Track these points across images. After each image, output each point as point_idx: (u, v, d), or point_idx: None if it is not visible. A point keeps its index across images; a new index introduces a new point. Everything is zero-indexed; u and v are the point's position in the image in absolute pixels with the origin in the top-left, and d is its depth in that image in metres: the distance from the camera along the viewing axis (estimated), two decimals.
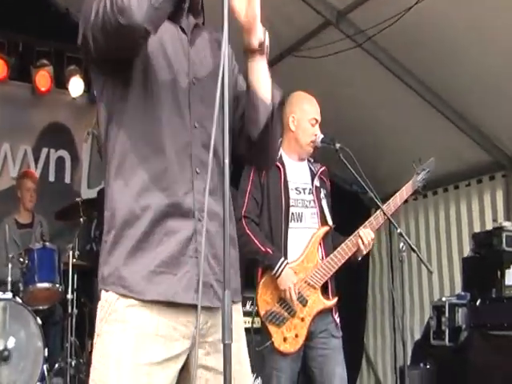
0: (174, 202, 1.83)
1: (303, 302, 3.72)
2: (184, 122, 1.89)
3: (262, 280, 3.74)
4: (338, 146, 3.72)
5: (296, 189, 3.87)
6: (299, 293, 3.71)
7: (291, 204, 3.80)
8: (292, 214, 3.80)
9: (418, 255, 3.71)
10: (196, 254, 1.83)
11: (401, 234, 3.65)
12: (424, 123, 5.85)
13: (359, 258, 3.80)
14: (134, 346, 1.77)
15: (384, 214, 3.73)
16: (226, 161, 1.65)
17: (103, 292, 1.84)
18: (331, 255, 3.76)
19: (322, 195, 3.94)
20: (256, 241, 3.69)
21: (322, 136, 3.88)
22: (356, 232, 3.77)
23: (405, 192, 3.92)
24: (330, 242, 3.88)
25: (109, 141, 1.89)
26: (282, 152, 3.87)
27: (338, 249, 3.76)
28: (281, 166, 3.85)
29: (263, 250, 3.67)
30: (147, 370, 1.76)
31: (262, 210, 3.80)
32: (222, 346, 1.59)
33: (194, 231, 1.84)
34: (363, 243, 3.73)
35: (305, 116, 3.94)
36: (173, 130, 1.87)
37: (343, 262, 3.75)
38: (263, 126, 1.98)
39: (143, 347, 1.78)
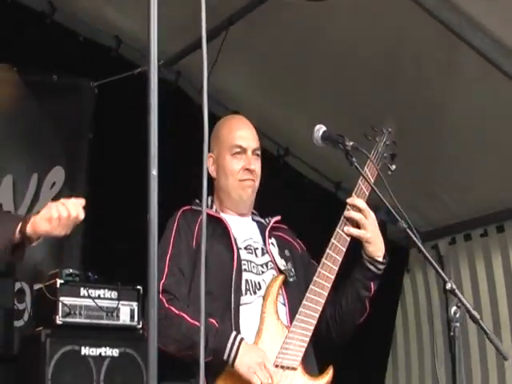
0: None
1: None
2: None
3: None
4: (350, 144, 2.43)
5: (246, 248, 2.60)
6: None
7: (243, 268, 2.54)
8: (247, 282, 2.53)
9: (485, 333, 2.10)
10: None
11: (453, 292, 2.16)
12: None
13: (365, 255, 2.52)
14: None
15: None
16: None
17: None
18: (303, 305, 2.44)
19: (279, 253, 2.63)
20: (188, 318, 2.39)
21: (323, 128, 2.52)
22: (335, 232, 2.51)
23: (369, 174, 2.53)
24: (295, 294, 2.58)
25: None
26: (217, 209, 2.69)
27: (311, 285, 2.46)
28: (223, 218, 2.61)
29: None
30: None
31: (193, 287, 2.49)
32: None
33: None
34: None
35: (222, 148, 2.62)
36: None
37: (322, 305, 2.45)
38: None
39: None
